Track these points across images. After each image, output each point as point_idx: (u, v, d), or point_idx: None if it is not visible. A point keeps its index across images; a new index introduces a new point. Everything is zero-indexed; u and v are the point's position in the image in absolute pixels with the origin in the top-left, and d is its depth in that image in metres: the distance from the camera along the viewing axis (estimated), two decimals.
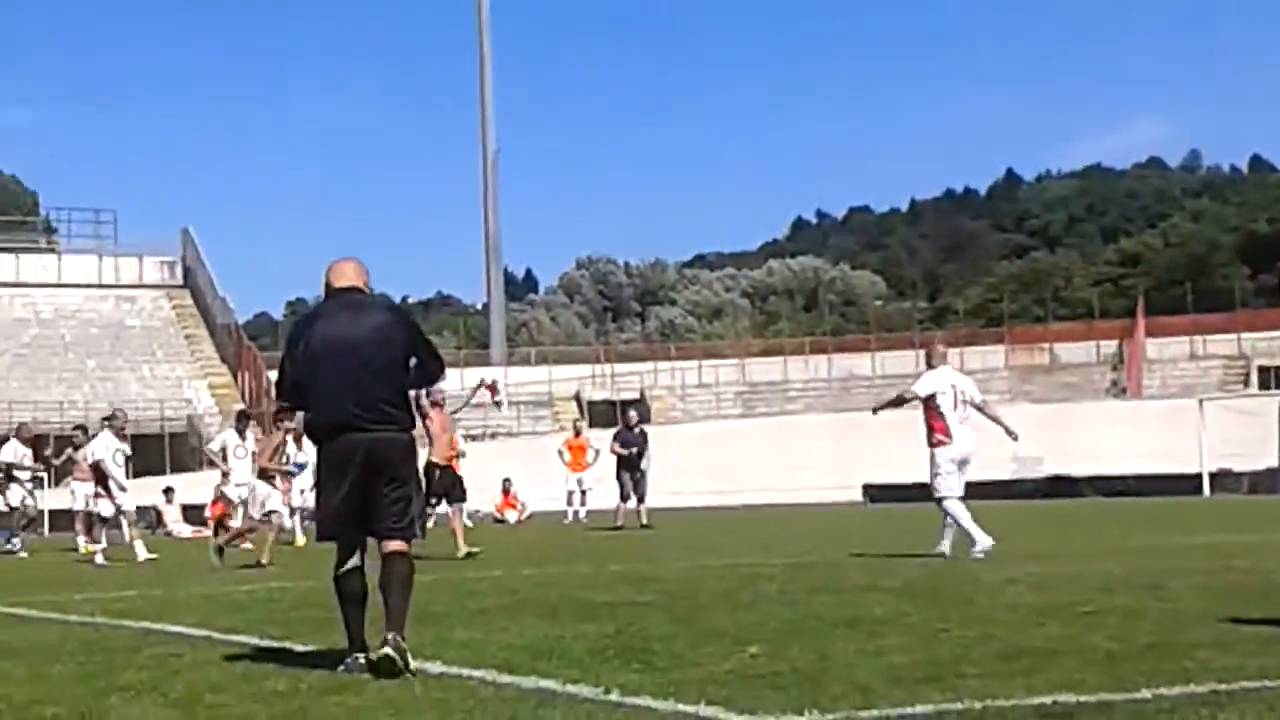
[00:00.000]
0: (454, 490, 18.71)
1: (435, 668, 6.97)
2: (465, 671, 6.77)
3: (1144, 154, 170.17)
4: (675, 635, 8.03)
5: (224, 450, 22.26)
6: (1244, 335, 69.09)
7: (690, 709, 5.63)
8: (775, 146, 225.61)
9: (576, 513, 32.65)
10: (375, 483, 6.99)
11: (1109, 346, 70.69)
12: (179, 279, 69.76)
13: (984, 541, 14.41)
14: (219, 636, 8.66)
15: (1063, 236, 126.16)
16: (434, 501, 17.51)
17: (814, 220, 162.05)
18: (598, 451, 32.95)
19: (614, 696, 5.95)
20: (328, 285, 7.32)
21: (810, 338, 79.76)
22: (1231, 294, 77.46)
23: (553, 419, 65.48)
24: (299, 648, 7.98)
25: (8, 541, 23.96)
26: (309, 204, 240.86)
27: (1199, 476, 45.59)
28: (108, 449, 20.73)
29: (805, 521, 32.83)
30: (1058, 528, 24.70)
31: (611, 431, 30.14)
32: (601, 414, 65.50)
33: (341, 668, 6.87)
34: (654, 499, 28.14)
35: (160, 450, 53.95)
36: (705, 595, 10.68)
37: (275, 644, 8.18)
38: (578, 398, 67.36)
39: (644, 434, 27.97)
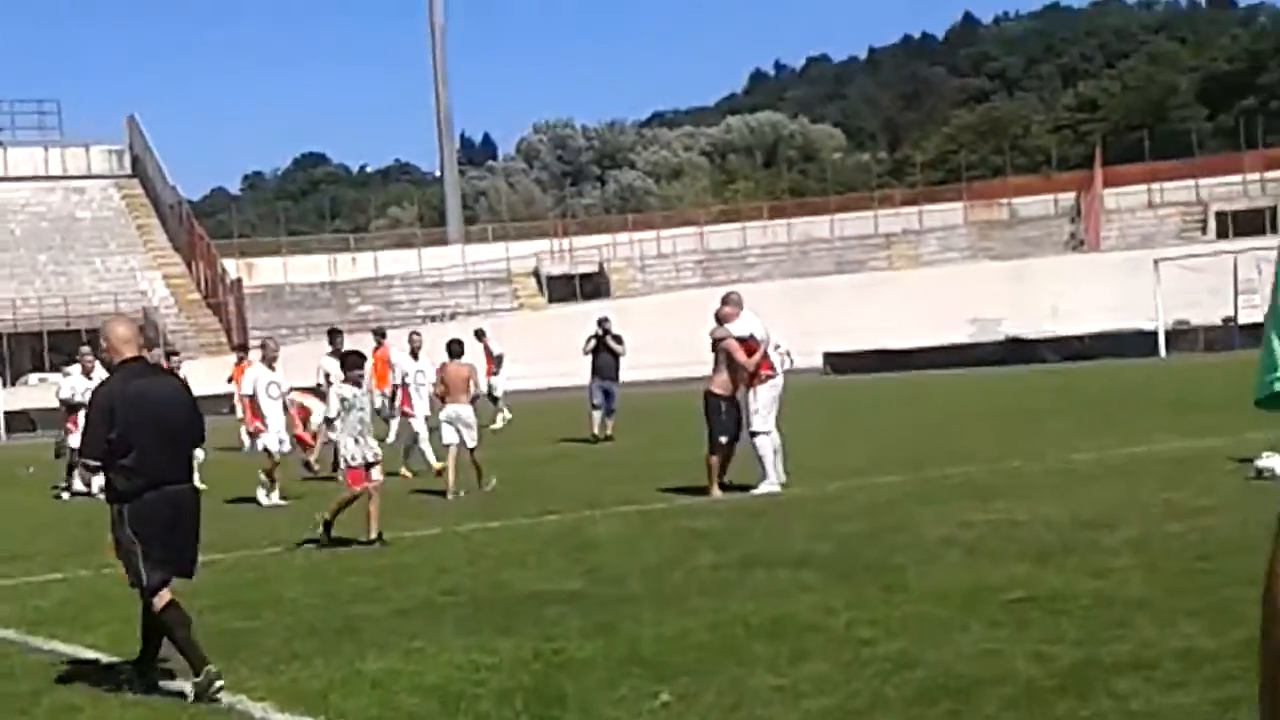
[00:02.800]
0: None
1: None
2: None
3: None
4: (593, 663, 7.83)
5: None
6: (1201, 181, 68.97)
7: None
8: None
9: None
10: (188, 527, 8.07)
11: (1067, 199, 70.58)
12: (127, 168, 68.76)
13: (773, 487, 15.15)
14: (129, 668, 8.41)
15: (1021, 79, 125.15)
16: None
17: (772, 72, 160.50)
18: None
19: None
20: (115, 349, 8.05)
21: (769, 201, 79.28)
22: (1189, 138, 77.22)
23: (512, 296, 65.15)
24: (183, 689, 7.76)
25: None
26: (259, 77, 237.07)
27: (1155, 335, 45.59)
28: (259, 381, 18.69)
29: None
30: (1007, 416, 24.67)
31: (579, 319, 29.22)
32: (560, 288, 65.25)
33: (197, 690, 7.54)
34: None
35: None
36: (636, 578, 10.48)
37: (172, 692, 7.94)
38: (536, 274, 66.94)
39: (619, 339, 26.26)
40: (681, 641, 8.22)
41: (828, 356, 52.68)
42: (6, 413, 46.15)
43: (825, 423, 27.48)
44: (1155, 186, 69.59)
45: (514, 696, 7.20)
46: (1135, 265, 55.49)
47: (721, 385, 15.45)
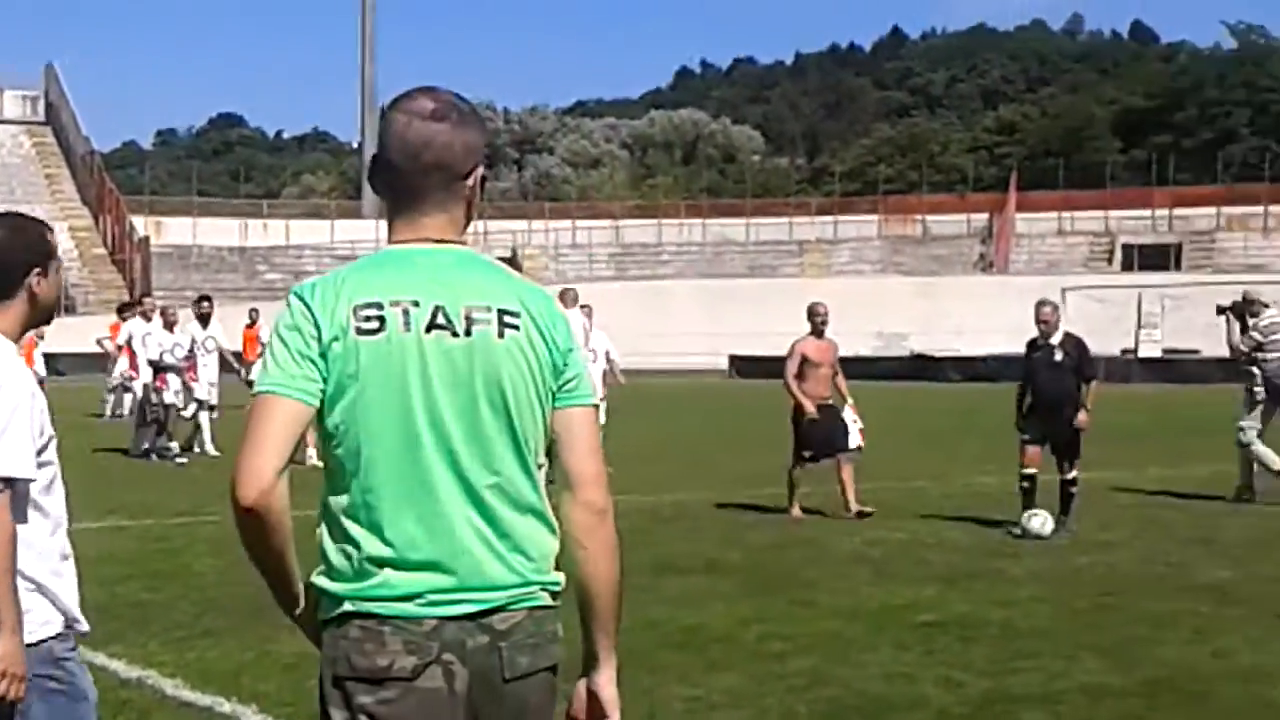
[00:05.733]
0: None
1: None
2: None
3: (1028, 16, 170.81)
4: None
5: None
6: (1111, 213, 70.09)
7: None
8: None
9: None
10: None
11: (979, 220, 71.37)
12: (41, 115, 67.58)
13: None
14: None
15: (943, 97, 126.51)
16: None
17: (698, 70, 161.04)
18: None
19: None
20: None
21: (686, 200, 79.49)
22: (1102, 170, 78.35)
23: None
24: None
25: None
26: (180, 34, 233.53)
27: (1096, 363, 46.28)
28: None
29: (669, 402, 32.89)
30: (912, 434, 24.96)
31: None
32: None
33: None
34: None
35: None
36: None
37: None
38: None
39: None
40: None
41: (734, 360, 53.03)
42: None
43: (731, 427, 27.71)
44: (1066, 215, 70.60)
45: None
46: (1042, 291, 56.12)
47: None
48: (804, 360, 13.89)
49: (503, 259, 65.95)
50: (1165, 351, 49.43)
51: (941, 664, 7.78)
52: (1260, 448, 15.03)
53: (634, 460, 18.33)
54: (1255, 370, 15.13)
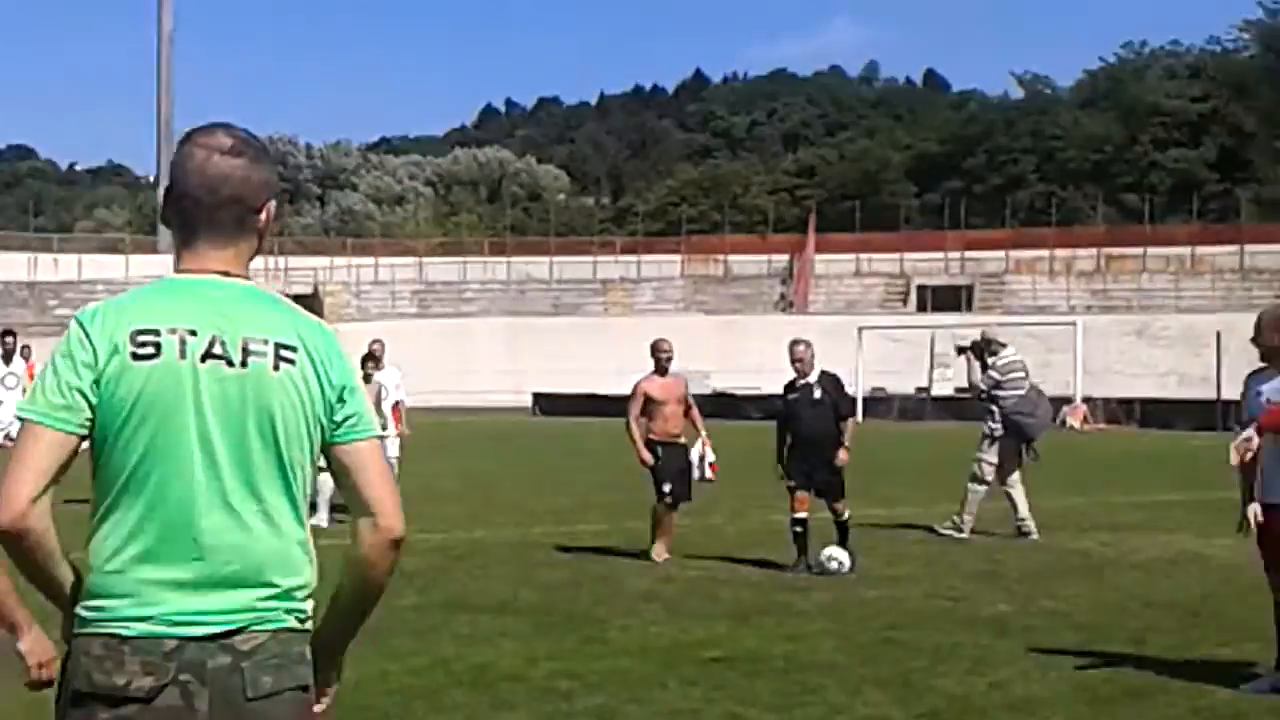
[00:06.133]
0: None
1: None
2: None
3: (826, 62, 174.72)
4: None
5: None
6: (906, 255, 71.81)
7: None
8: (467, 28, 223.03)
9: None
10: None
11: (780, 260, 72.57)
12: None
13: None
14: None
15: (745, 140, 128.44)
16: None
17: (503, 109, 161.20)
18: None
19: None
20: None
21: (490, 238, 79.39)
22: (897, 213, 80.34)
23: None
24: None
25: None
26: None
27: (853, 401, 47.20)
28: None
29: (469, 440, 32.75)
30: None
31: None
32: None
33: None
34: None
35: None
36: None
37: None
38: None
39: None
40: (380, 684, 8.15)
41: (537, 397, 52.94)
42: None
43: (530, 465, 27.66)
44: (864, 256, 72.17)
45: None
46: (839, 330, 57.41)
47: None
48: (648, 399, 13.68)
49: (304, 296, 65.18)
50: (957, 390, 50.65)
51: (728, 699, 7.84)
52: (977, 490, 15.41)
53: (429, 498, 18.22)
54: (994, 408, 15.57)
